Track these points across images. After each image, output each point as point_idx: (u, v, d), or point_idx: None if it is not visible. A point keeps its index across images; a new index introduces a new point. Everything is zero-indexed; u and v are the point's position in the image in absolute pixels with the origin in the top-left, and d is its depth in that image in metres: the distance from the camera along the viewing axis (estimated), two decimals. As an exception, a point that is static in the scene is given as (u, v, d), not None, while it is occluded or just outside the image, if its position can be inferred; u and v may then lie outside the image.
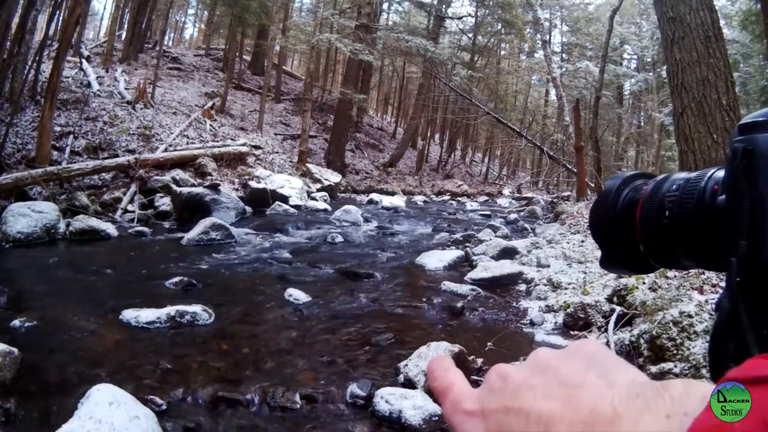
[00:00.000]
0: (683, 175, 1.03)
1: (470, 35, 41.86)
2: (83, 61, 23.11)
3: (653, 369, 4.14)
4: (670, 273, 6.69)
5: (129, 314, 5.79)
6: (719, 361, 0.93)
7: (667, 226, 0.99)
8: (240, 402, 4.17)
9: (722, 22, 9.98)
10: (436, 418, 4.04)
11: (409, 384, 4.53)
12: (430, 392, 4.31)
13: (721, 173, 0.94)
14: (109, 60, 26.42)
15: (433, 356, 4.02)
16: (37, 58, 16.07)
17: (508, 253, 10.83)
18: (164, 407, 3.99)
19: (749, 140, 0.85)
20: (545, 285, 8.40)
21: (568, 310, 6.85)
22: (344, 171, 27.15)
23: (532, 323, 6.91)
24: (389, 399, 4.15)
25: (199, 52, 39.89)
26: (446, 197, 30.63)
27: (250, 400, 4.20)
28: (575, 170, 20.81)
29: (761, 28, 15.88)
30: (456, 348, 4.80)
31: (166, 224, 12.56)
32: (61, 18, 19.93)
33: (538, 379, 0.48)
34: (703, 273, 5.97)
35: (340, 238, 12.12)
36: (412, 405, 4.08)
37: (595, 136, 21.89)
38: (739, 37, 25.29)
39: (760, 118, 0.87)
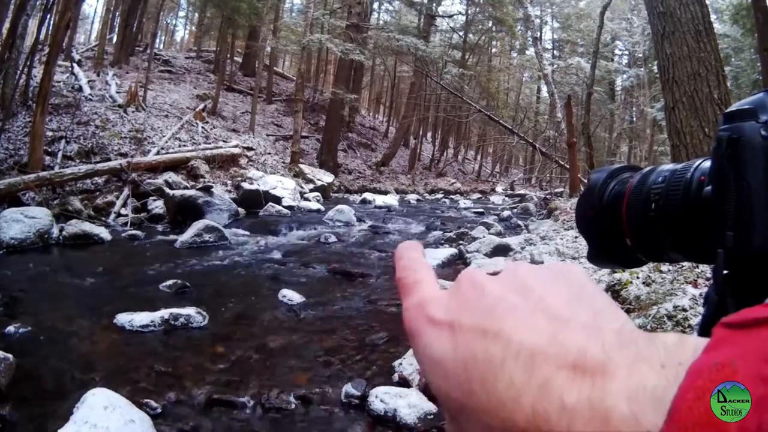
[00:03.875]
0: (669, 166, 1.01)
1: (461, 33, 41.89)
2: (74, 65, 23.02)
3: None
4: (664, 267, 6.70)
5: (123, 318, 5.79)
6: None
7: (654, 219, 0.98)
8: (235, 404, 4.17)
9: (713, 17, 9.98)
10: (432, 416, 4.04)
11: (404, 383, 4.53)
12: (425, 391, 4.32)
13: (707, 164, 0.93)
14: (100, 64, 26.36)
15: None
16: (28, 63, 16.02)
17: (501, 250, 10.83)
18: (159, 410, 3.98)
19: (735, 129, 0.83)
20: (539, 282, 8.41)
21: (563, 307, 6.86)
22: (337, 171, 27.16)
23: (526, 320, 6.92)
24: (384, 398, 4.15)
25: (190, 54, 39.84)
26: (439, 195, 30.69)
27: (245, 402, 4.20)
28: (568, 166, 20.83)
29: (752, 22, 15.90)
30: (450, 345, 4.80)
31: (160, 227, 12.54)
32: (51, 22, 19.91)
33: (520, 300, 0.42)
34: (697, 266, 6.00)
35: (333, 238, 12.10)
36: (407, 404, 4.08)
37: (588, 131, 21.92)
38: (730, 32, 25.34)
39: (746, 106, 0.86)
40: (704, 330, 0.94)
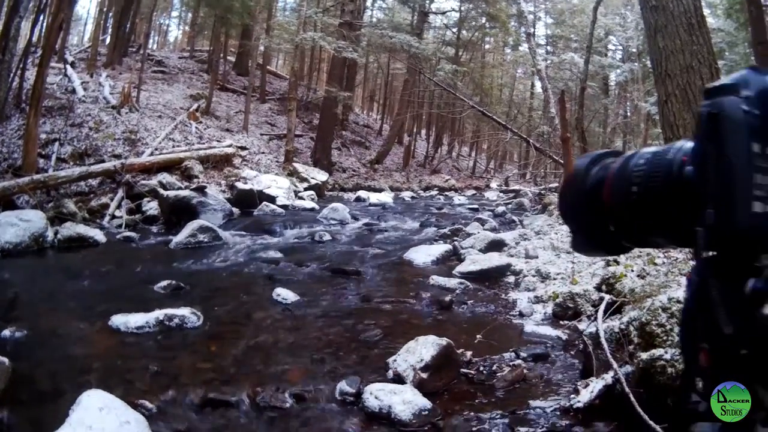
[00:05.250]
0: (652, 149, 1.00)
1: (454, 30, 41.87)
2: (68, 67, 22.96)
3: (644, 356, 4.15)
4: (658, 259, 6.72)
5: (118, 320, 5.79)
6: (690, 341, 0.92)
7: (636, 203, 0.97)
8: (230, 403, 4.19)
9: (707, 11, 9.92)
10: (426, 412, 4.05)
11: (398, 379, 4.54)
12: (420, 387, 4.34)
13: (690, 144, 0.92)
14: (93, 65, 26.26)
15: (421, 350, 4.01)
16: (22, 66, 15.99)
17: (496, 246, 10.85)
18: (154, 411, 4.00)
19: (714, 104, 0.84)
20: (534, 276, 8.43)
21: (557, 300, 6.89)
22: (331, 169, 27.10)
23: (521, 314, 6.94)
24: (378, 395, 4.16)
25: (183, 54, 39.76)
26: (434, 192, 30.62)
27: (240, 401, 4.22)
28: (562, 161, 20.82)
29: (746, 17, 15.91)
30: (443, 341, 4.81)
31: (154, 228, 12.52)
32: (44, 24, 19.84)
33: None
34: (692, 258, 6.00)
35: (327, 237, 12.11)
36: (402, 400, 4.08)
37: (581, 127, 21.92)
38: (723, 26, 25.33)
39: (728, 82, 0.86)
40: (686, 314, 0.94)
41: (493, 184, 39.09)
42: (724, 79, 0.87)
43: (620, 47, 45.67)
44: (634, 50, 37.64)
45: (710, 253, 0.86)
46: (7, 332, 5.39)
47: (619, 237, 1.06)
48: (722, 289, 0.82)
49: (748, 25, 15.06)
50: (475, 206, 22.23)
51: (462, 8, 41.18)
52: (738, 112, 0.82)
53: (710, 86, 0.88)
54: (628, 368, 4.33)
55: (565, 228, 11.39)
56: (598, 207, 1.05)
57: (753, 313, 0.78)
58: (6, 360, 4.34)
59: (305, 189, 20.82)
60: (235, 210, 14.59)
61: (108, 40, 31.72)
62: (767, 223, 0.80)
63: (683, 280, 5.51)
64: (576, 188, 1.12)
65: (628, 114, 46.24)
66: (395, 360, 4.77)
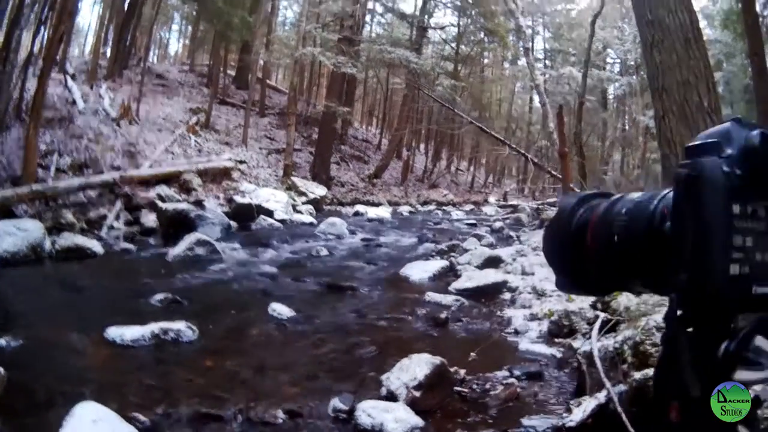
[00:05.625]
0: (635, 196, 0.98)
1: (453, 45, 41.93)
2: (68, 78, 22.94)
3: (637, 375, 4.14)
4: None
5: (114, 332, 5.78)
6: (663, 393, 0.90)
7: (617, 251, 0.94)
8: (223, 418, 4.18)
9: (704, 23, 9.91)
10: (418, 430, 4.06)
11: (391, 397, 4.53)
12: (412, 404, 4.34)
13: (671, 195, 0.87)
14: (94, 77, 26.20)
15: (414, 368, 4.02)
16: (22, 77, 15.99)
17: (492, 262, 10.84)
18: (148, 424, 3.98)
19: (694, 165, 0.80)
20: (530, 293, 8.43)
21: (553, 318, 6.89)
22: (330, 183, 27.07)
23: (516, 332, 6.94)
24: (371, 412, 4.16)
25: (183, 67, 39.67)
26: (432, 207, 30.60)
27: (233, 416, 4.21)
28: (560, 176, 20.84)
29: (742, 27, 15.97)
30: (437, 360, 4.81)
31: (152, 240, 12.48)
32: (45, 35, 19.85)
33: None
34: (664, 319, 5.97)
35: (325, 252, 12.12)
36: (394, 418, 4.09)
37: (580, 141, 21.97)
38: (721, 37, 25.46)
39: (709, 140, 0.82)
40: (660, 367, 0.93)
41: (492, 199, 39.04)
42: (707, 135, 0.83)
43: (618, 60, 45.80)
44: (632, 63, 37.79)
45: (682, 314, 0.84)
46: (2, 341, 5.37)
47: (601, 281, 1.05)
48: (693, 352, 0.79)
49: (744, 36, 15.11)
50: (473, 221, 22.22)
51: (460, 23, 41.28)
52: (718, 173, 0.78)
53: (691, 144, 0.83)
54: (622, 387, 4.32)
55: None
56: (582, 250, 1.04)
57: (724, 378, 0.76)
58: (1, 369, 4.34)
59: (303, 203, 20.79)
60: (233, 223, 14.59)
61: (108, 53, 31.63)
62: (743, 285, 0.77)
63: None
64: (561, 229, 1.10)
65: (627, 127, 46.32)
66: (388, 378, 4.76)
